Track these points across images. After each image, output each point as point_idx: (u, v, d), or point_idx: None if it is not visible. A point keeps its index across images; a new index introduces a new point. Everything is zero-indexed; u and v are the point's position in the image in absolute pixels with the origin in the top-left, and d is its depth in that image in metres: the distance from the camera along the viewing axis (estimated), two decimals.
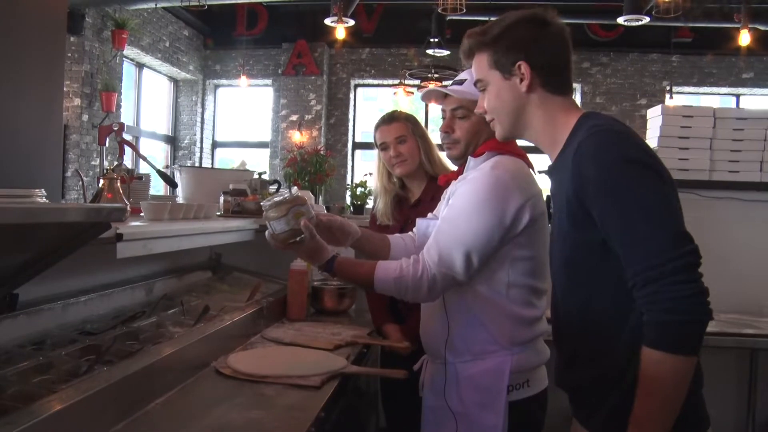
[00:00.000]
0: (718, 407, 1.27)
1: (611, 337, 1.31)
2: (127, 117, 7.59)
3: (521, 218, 1.59)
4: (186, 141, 9.59)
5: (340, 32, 5.80)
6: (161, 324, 2.00)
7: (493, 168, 1.62)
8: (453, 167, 2.19)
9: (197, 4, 5.29)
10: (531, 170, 1.73)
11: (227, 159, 10.57)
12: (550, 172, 1.42)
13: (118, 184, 1.99)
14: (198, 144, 9.64)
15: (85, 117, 6.53)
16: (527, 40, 1.36)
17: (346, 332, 2.27)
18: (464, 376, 1.68)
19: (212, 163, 9.87)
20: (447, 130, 1.79)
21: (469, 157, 1.73)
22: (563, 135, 1.36)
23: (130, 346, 1.69)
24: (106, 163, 2.68)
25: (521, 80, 1.36)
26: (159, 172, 2.71)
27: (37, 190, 1.54)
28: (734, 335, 2.98)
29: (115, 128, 2.56)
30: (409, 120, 2.45)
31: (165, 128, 9.48)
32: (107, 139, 2.71)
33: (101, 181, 1.99)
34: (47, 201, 1.60)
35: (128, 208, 1.92)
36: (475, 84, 1.46)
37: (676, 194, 1.26)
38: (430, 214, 1.89)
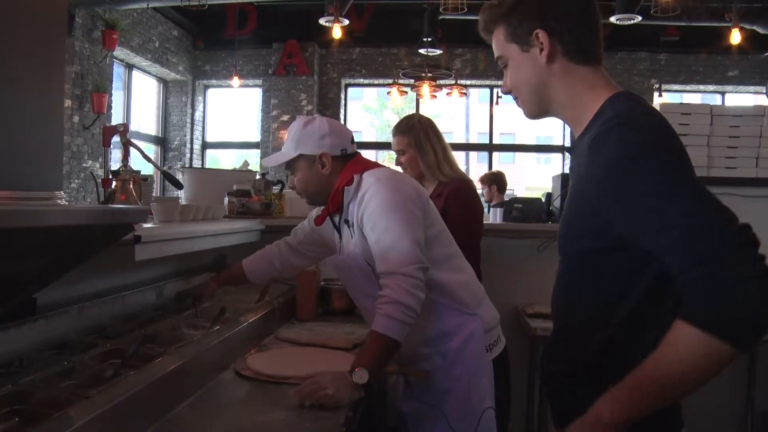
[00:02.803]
0: (717, 397, 1.21)
1: (589, 334, 1.20)
2: (116, 119, 7.51)
3: (422, 195, 1.84)
4: (176, 142, 9.52)
5: (337, 32, 5.78)
6: (176, 326, 1.98)
7: (377, 179, 1.80)
8: (461, 171, 2.76)
9: (197, 3, 5.24)
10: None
11: (216, 159, 10.51)
12: (571, 150, 1.33)
13: (131, 185, 1.97)
14: (188, 145, 9.57)
15: (75, 118, 6.45)
16: (542, 5, 1.24)
17: (359, 331, 2.27)
18: (450, 355, 1.81)
19: (202, 164, 9.81)
20: (291, 186, 1.98)
21: (344, 188, 1.84)
22: (587, 116, 1.23)
23: (151, 350, 1.67)
24: (114, 165, 2.65)
25: (541, 50, 1.23)
26: (164, 173, 2.69)
27: (57, 192, 1.53)
28: None
29: (120, 129, 2.54)
30: (410, 133, 2.65)
31: (154, 129, 9.40)
32: (110, 142, 2.68)
33: (113, 183, 1.97)
34: (68, 203, 1.58)
35: None
36: (496, 61, 1.34)
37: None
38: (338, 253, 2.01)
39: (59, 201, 1.51)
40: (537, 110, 1.31)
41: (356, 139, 2.59)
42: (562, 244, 1.28)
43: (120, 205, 1.85)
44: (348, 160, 1.90)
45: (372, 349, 1.62)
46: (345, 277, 1.96)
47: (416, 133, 2.65)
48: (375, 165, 1.91)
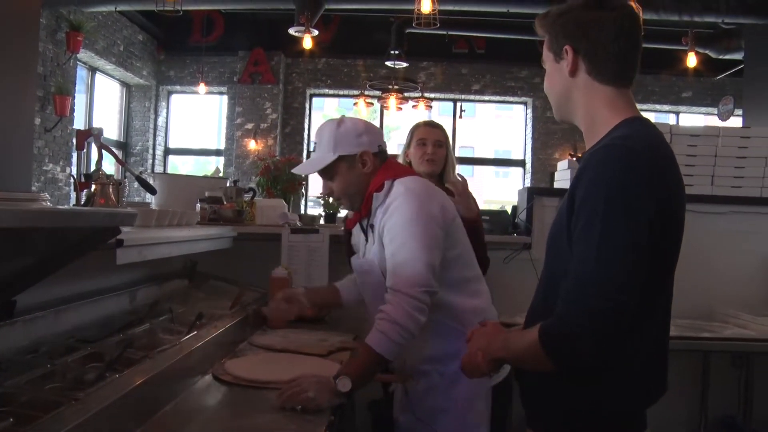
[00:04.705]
0: (672, 404, 1.29)
1: None
2: (78, 122, 7.38)
3: (448, 215, 1.81)
4: (138, 147, 9.39)
5: (307, 42, 5.82)
6: (153, 331, 1.98)
7: (406, 189, 1.78)
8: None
9: (172, 9, 5.21)
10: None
11: (175, 166, 10.37)
12: (580, 160, 1.40)
13: (110, 189, 1.97)
14: (150, 151, 9.44)
15: (37, 121, 6.31)
16: (575, 24, 1.32)
17: (332, 338, 2.29)
18: (449, 375, 1.79)
19: (164, 170, 9.69)
20: (327, 192, 1.94)
21: (374, 194, 1.83)
22: (601, 132, 1.31)
23: (131, 354, 1.68)
24: (85, 168, 2.63)
25: (567, 64, 1.34)
26: (138, 178, 2.68)
27: (42, 194, 1.53)
28: (690, 338, 3.15)
29: (95, 133, 2.53)
30: (445, 133, 2.84)
31: (116, 134, 9.24)
32: (84, 145, 2.67)
33: (93, 186, 1.97)
34: (51, 204, 1.58)
35: None
36: (542, 63, 1.44)
37: (669, 244, 1.23)
38: (361, 256, 1.97)
39: (44, 203, 1.51)
40: (560, 114, 1.44)
41: None
42: (549, 246, 1.36)
43: (109, 209, 1.85)
44: (384, 158, 1.87)
45: (361, 360, 1.64)
46: (363, 281, 1.94)
47: (447, 137, 2.87)
48: (408, 172, 1.89)
